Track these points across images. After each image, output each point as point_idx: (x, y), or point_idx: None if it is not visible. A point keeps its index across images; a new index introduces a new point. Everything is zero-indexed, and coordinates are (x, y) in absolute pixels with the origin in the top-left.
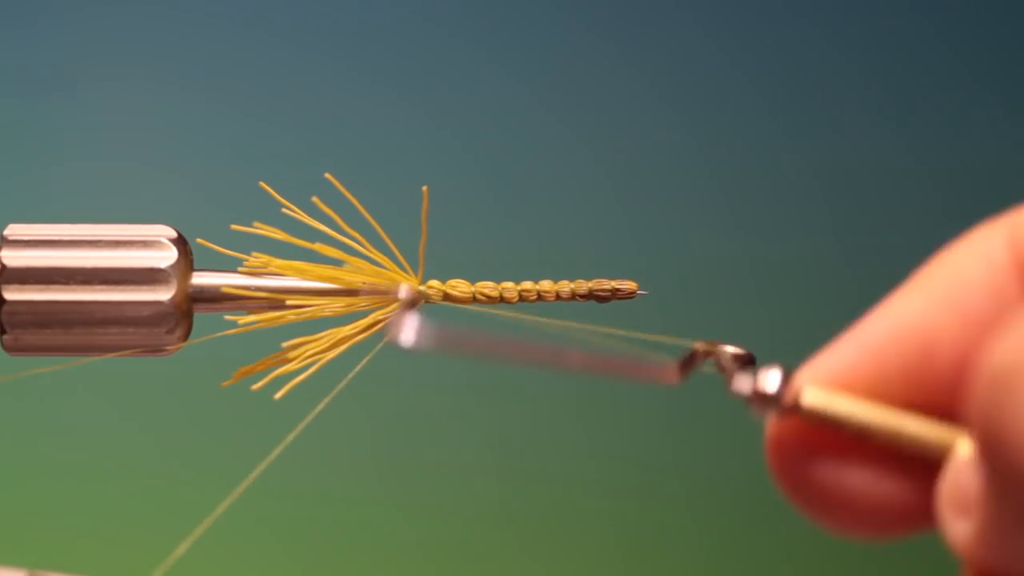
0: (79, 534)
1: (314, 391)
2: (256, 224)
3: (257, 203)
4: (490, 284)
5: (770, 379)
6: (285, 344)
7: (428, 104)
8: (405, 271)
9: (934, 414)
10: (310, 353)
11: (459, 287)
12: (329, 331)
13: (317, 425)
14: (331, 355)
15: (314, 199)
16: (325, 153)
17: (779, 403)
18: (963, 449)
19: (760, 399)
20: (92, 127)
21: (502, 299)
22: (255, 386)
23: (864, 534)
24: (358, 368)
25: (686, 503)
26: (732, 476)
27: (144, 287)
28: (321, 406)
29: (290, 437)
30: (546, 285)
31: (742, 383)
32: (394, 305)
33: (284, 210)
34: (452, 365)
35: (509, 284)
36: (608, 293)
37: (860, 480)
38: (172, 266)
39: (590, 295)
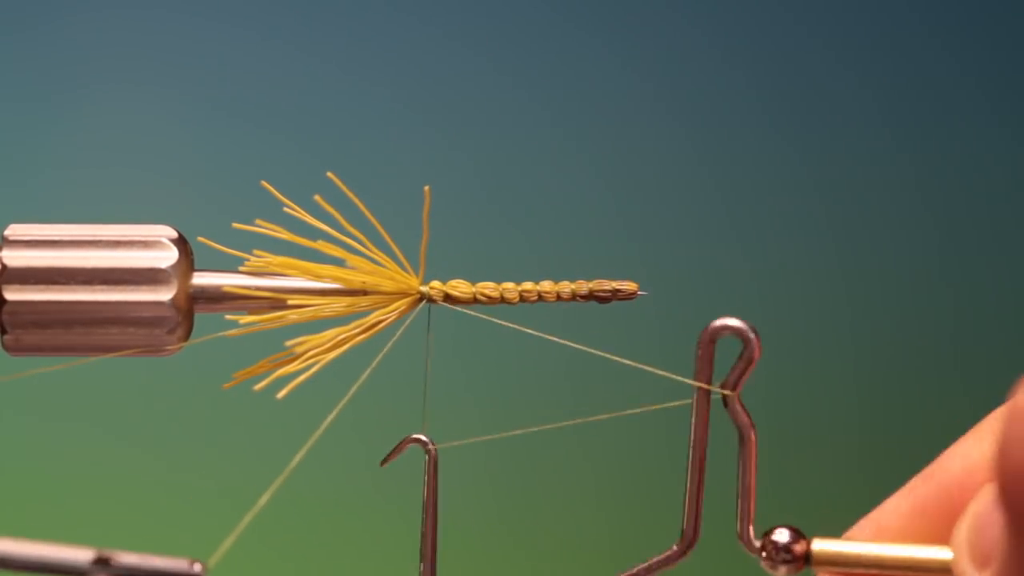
0: (78, 534)
1: (313, 390)
2: (257, 221)
3: (258, 203)
4: (491, 284)
5: (780, 535)
6: (289, 343)
7: (430, 105)
8: (406, 271)
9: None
10: (311, 353)
11: (460, 287)
12: (330, 331)
13: (313, 427)
14: (332, 355)
15: (316, 198)
16: (326, 153)
17: (792, 554)
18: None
19: (775, 550)
20: (92, 128)
21: (503, 300)
22: (258, 386)
23: None
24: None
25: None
26: (727, 479)
27: (145, 287)
28: (353, 389)
29: (323, 427)
30: (547, 286)
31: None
32: (396, 305)
33: (286, 209)
34: (449, 365)
35: (510, 285)
36: (608, 294)
37: None
38: (173, 266)
39: (591, 296)
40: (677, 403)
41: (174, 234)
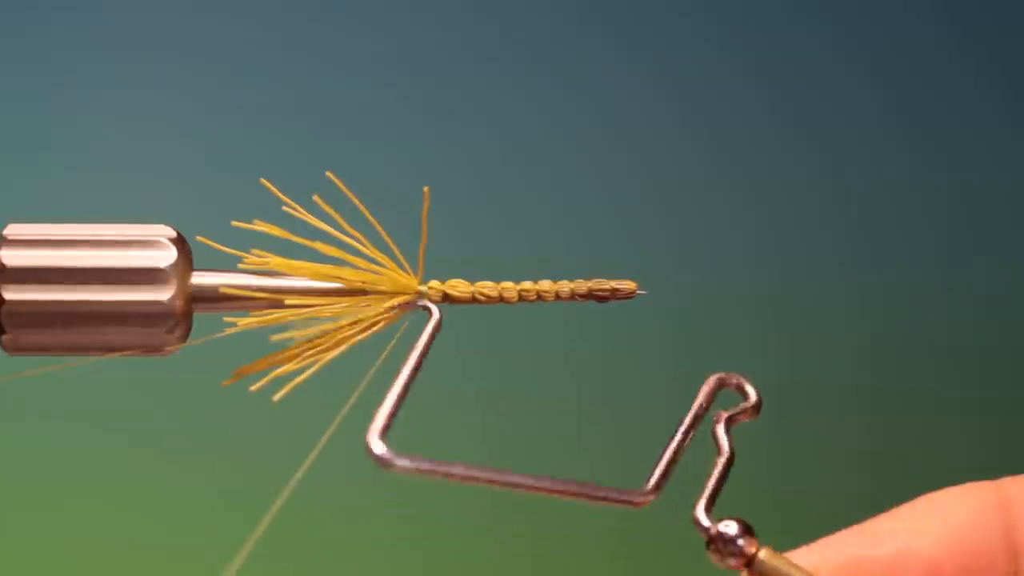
0: (78, 534)
1: (312, 390)
2: (256, 221)
3: (257, 203)
4: (490, 284)
5: (730, 527)
6: (281, 337)
7: (429, 104)
8: (405, 271)
9: None
10: (309, 353)
11: (459, 287)
12: (328, 331)
13: (312, 427)
14: (331, 355)
15: (315, 197)
16: (325, 153)
17: (739, 551)
18: None
19: (722, 541)
20: (91, 127)
21: (502, 299)
22: (254, 387)
23: None
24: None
25: (684, 509)
26: (731, 482)
27: (144, 287)
28: (352, 399)
29: (330, 429)
30: (545, 285)
31: (706, 520)
32: (392, 302)
33: (285, 208)
34: (450, 369)
35: (509, 284)
36: (607, 293)
37: None
38: (172, 266)
39: (589, 295)
40: None
41: (173, 233)
